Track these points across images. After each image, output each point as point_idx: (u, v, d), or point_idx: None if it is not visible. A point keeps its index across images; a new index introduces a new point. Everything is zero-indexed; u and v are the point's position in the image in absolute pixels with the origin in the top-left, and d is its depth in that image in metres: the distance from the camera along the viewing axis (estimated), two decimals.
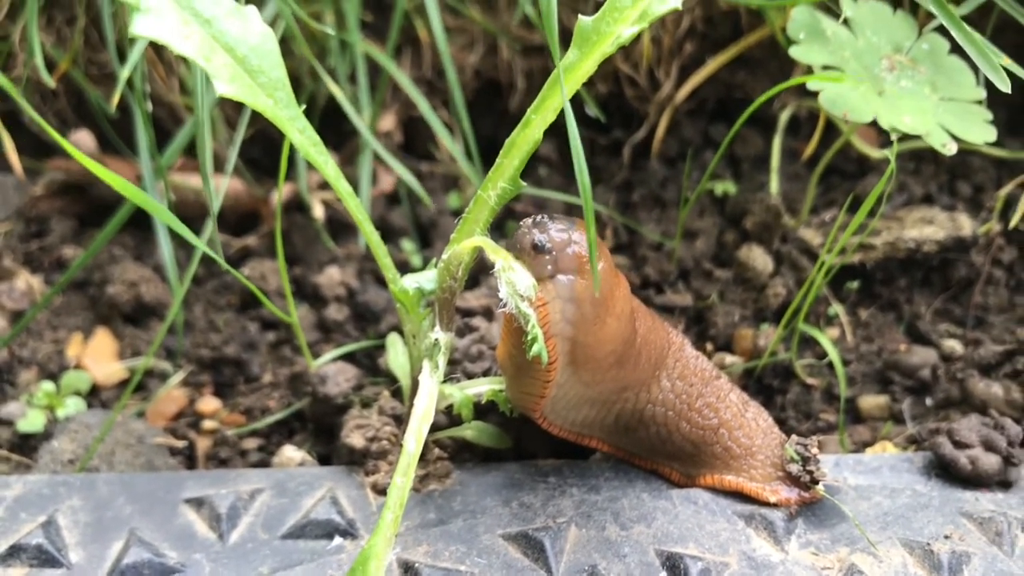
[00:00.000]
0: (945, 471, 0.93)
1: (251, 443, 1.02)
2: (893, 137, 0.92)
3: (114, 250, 1.17)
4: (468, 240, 0.76)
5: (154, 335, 1.11)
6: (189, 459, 1.02)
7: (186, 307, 1.13)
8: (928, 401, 1.09)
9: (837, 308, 1.17)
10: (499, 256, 0.74)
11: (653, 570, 0.82)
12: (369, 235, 0.82)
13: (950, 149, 0.96)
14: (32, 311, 1.02)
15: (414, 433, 0.74)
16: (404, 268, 1.15)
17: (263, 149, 1.29)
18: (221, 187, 1.15)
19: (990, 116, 1.00)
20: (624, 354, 0.82)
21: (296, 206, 1.19)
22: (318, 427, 1.00)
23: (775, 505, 0.87)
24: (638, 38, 1.26)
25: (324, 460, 0.98)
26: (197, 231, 1.19)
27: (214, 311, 1.13)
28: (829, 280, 1.18)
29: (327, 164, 0.79)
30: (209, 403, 1.07)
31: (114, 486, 0.89)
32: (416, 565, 0.81)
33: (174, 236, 1.17)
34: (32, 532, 0.84)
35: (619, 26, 0.72)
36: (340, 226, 1.19)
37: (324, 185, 1.18)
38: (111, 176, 0.67)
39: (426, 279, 0.80)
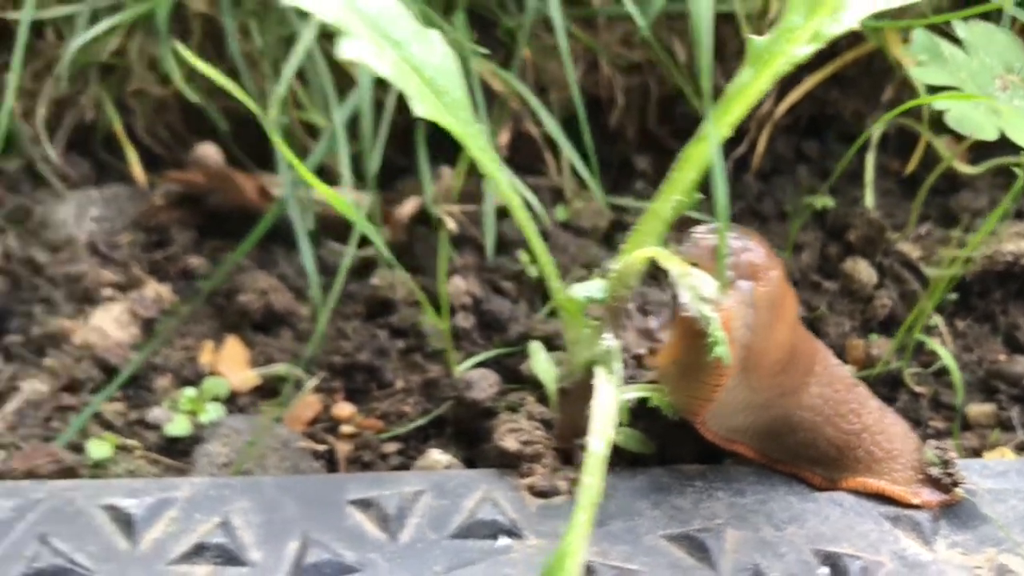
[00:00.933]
0: None
1: (391, 447, 1.05)
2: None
3: (239, 261, 1.20)
4: (641, 251, 0.79)
5: (284, 343, 1.14)
6: (330, 463, 1.05)
7: (313, 317, 1.16)
8: None
9: (938, 320, 1.22)
10: (675, 263, 0.78)
11: (812, 567, 0.85)
12: (539, 250, 0.85)
13: None
14: (164, 322, 1.05)
15: (600, 434, 0.77)
16: (519, 279, 1.19)
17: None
18: (360, 201, 1.19)
19: None
20: (788, 361, 0.85)
21: (419, 218, 1.22)
22: (460, 431, 1.04)
23: (917, 507, 0.91)
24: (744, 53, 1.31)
25: (468, 463, 1.01)
26: (320, 243, 1.23)
27: (341, 320, 1.16)
28: (934, 294, 1.23)
29: (503, 180, 0.82)
30: (344, 408, 1.10)
31: (279, 489, 0.92)
32: (591, 564, 0.85)
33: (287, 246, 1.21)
34: (211, 532, 0.87)
35: (791, 46, 0.76)
36: (459, 238, 1.23)
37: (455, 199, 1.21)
38: (336, 198, 0.71)
39: (596, 288, 0.83)
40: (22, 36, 1.16)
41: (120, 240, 1.21)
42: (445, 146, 1.31)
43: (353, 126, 1.22)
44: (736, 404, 0.87)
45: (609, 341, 0.81)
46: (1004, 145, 1.20)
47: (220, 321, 1.16)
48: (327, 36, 1.14)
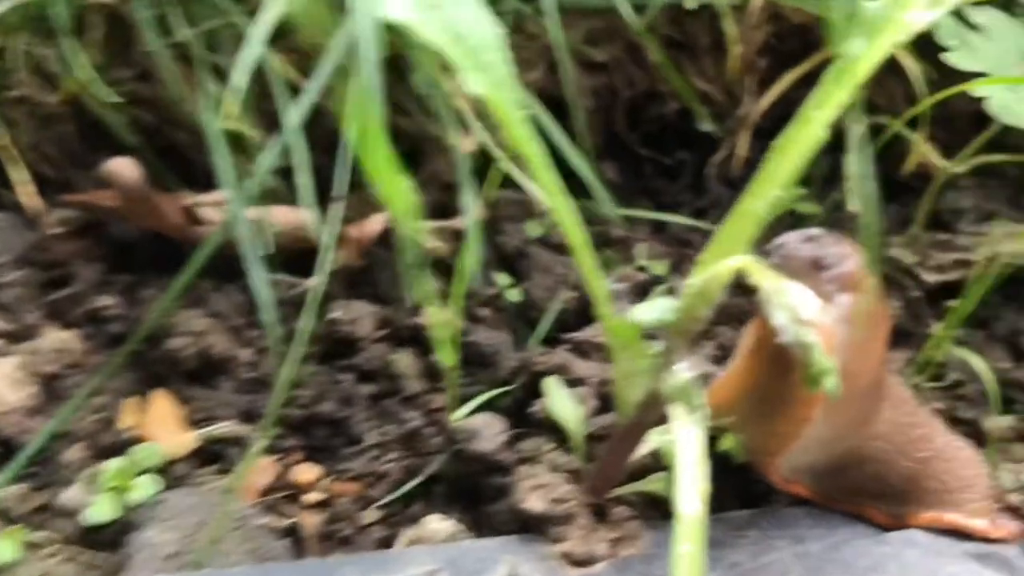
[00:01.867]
0: None
1: (370, 515, 0.87)
2: None
3: (160, 298, 0.99)
4: (730, 260, 0.65)
5: (226, 395, 0.94)
6: (296, 540, 0.86)
7: (258, 362, 0.97)
8: None
9: (938, 327, 1.13)
10: (768, 277, 0.65)
11: None
12: (588, 265, 0.70)
13: None
14: (72, 379, 0.84)
15: (694, 491, 0.62)
16: (495, 305, 1.03)
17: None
18: (285, 219, 1.00)
19: None
20: (876, 383, 0.73)
21: (378, 239, 1.04)
22: (458, 490, 0.86)
23: (999, 540, 0.81)
24: (720, 51, 1.20)
25: (474, 528, 0.84)
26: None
27: (295, 364, 0.97)
28: (927, 300, 1.15)
29: (552, 180, 0.67)
30: (306, 472, 0.91)
31: None
32: None
33: (229, 280, 1.01)
34: None
35: (910, 11, 0.64)
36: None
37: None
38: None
39: (665, 309, 0.69)
40: None
41: (8, 279, 0.97)
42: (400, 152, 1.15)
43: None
44: (809, 438, 0.74)
45: (685, 371, 0.67)
46: (987, 144, 1.14)
47: (143, 373, 0.95)
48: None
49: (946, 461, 0.81)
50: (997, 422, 1.05)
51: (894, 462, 0.80)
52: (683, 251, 1.15)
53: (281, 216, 1.00)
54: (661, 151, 1.25)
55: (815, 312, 0.63)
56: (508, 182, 1.13)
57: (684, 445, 0.64)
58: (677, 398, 0.67)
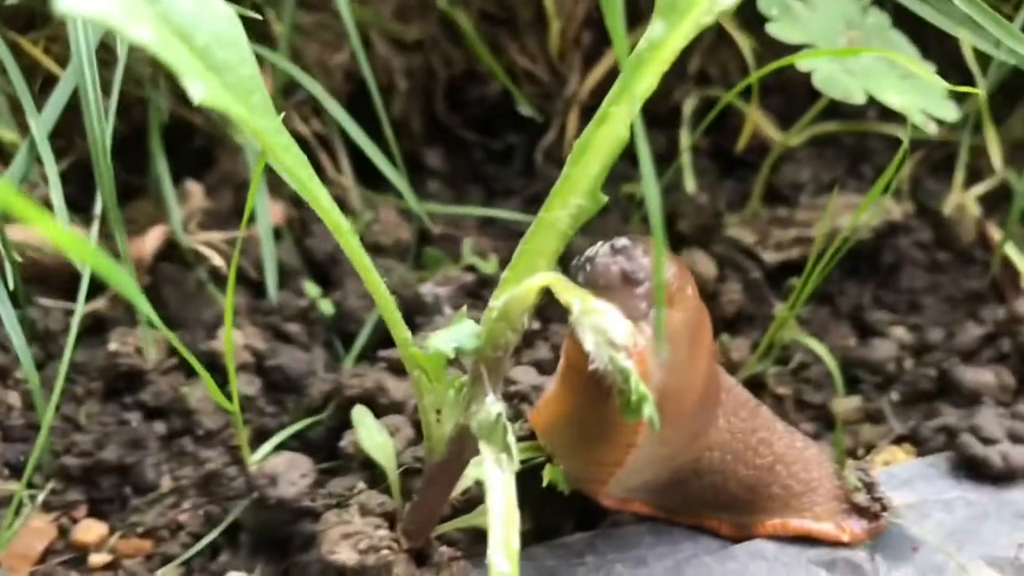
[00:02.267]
0: (974, 471, 0.86)
1: (164, 574, 0.76)
2: (918, 120, 0.84)
3: None
4: (533, 279, 0.57)
5: None
6: None
7: (25, 406, 0.84)
8: (894, 395, 1.03)
9: (780, 308, 1.09)
10: (577, 296, 0.57)
11: None
12: (375, 284, 0.61)
13: (931, 129, 0.91)
14: None
15: (502, 549, 0.54)
16: (306, 318, 0.93)
17: (79, 186, 1.00)
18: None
19: (946, 92, 0.95)
20: (705, 397, 0.67)
21: (162, 254, 0.92)
22: (263, 540, 0.76)
23: (847, 544, 0.76)
24: (544, 26, 1.12)
25: None
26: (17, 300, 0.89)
27: (70, 404, 0.84)
28: (768, 280, 1.10)
29: (320, 192, 0.57)
30: (90, 529, 0.79)
31: None
32: None
33: None
34: None
35: None
36: (221, 275, 0.94)
37: (203, 224, 0.92)
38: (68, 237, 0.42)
39: (466, 335, 0.60)
40: None
41: None
42: (183, 155, 1.02)
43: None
44: (640, 461, 0.67)
45: (492, 406, 0.58)
46: (822, 113, 1.10)
47: None
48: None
49: (788, 465, 0.76)
50: (844, 404, 1.01)
51: (734, 471, 0.74)
52: (514, 244, 1.06)
53: (34, 235, 0.87)
54: (488, 134, 1.16)
55: (628, 335, 0.55)
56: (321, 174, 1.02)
57: (493, 495, 0.56)
58: (486, 437, 0.58)
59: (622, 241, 0.61)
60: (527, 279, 0.58)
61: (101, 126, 0.72)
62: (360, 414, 0.75)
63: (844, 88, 0.85)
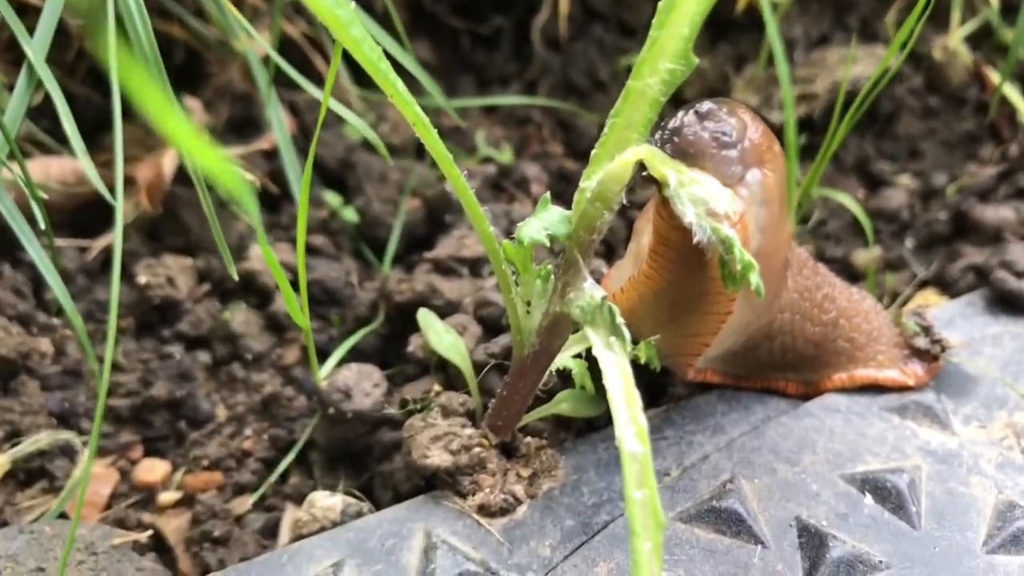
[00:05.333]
0: (1010, 304, 0.88)
1: (241, 503, 0.75)
2: None
3: None
4: (627, 152, 0.55)
5: (30, 398, 0.77)
6: (165, 553, 0.73)
7: (58, 352, 0.80)
8: (909, 242, 1.04)
9: (793, 167, 1.09)
10: (672, 168, 0.55)
11: (856, 499, 0.69)
12: (456, 178, 0.58)
13: None
14: None
15: (632, 429, 0.54)
16: (328, 229, 0.90)
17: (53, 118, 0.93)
18: (53, 172, 0.82)
19: None
20: (788, 256, 0.66)
21: (175, 178, 0.87)
22: (338, 456, 0.75)
23: (912, 387, 0.78)
24: None
25: (368, 497, 0.73)
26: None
27: (102, 344, 0.80)
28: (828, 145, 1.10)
29: (398, 84, 0.54)
30: (152, 469, 0.77)
31: None
32: None
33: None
34: None
35: None
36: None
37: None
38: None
39: (556, 221, 0.58)
40: None
41: None
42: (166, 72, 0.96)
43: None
44: (730, 329, 0.67)
45: (593, 289, 0.57)
46: None
47: None
48: None
49: (851, 318, 0.77)
50: (866, 254, 1.03)
51: (802, 330, 0.74)
52: (523, 131, 1.04)
53: (48, 169, 0.81)
54: (475, 19, 1.11)
55: (729, 203, 0.54)
56: (314, 77, 0.97)
57: (613, 380, 0.54)
58: (591, 323, 0.57)
59: (707, 105, 0.59)
60: (619, 154, 0.55)
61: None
62: (426, 316, 0.73)
63: None
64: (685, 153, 0.57)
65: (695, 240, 0.55)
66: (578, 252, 0.58)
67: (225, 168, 0.41)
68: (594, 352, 0.56)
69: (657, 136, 0.60)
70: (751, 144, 0.58)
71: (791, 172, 0.65)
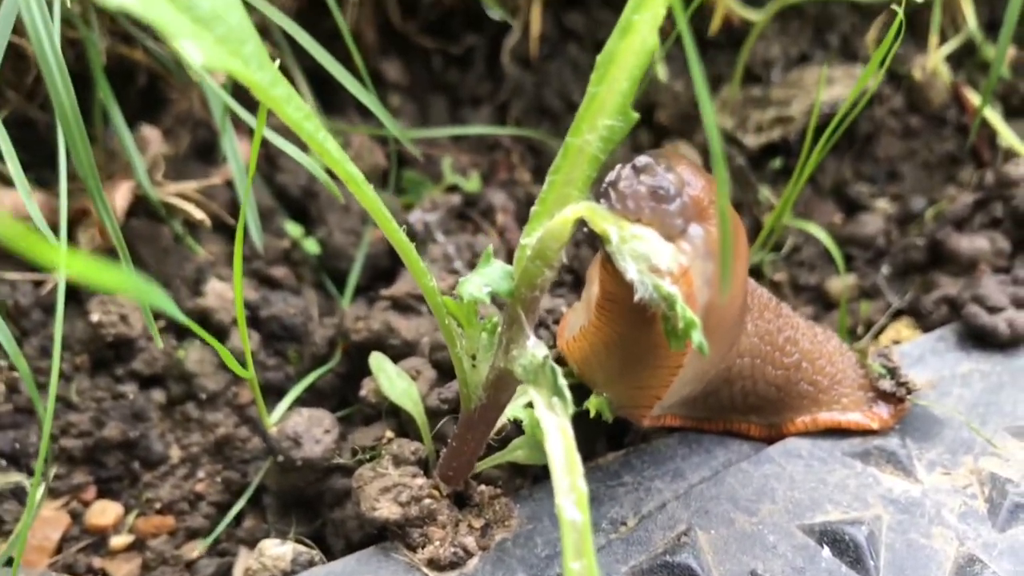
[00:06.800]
0: (982, 340, 0.86)
1: (191, 548, 0.74)
2: None
3: None
4: (567, 210, 0.54)
5: None
6: None
7: (9, 390, 0.79)
8: (885, 269, 1.03)
9: (765, 192, 1.07)
10: (613, 224, 0.54)
11: (813, 552, 0.68)
12: (393, 232, 0.57)
13: None
14: None
15: (571, 497, 0.52)
16: (290, 259, 0.89)
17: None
18: (3, 201, 0.80)
19: None
20: (743, 305, 0.65)
21: (132, 211, 0.85)
22: (291, 502, 0.74)
23: (877, 431, 0.77)
24: None
25: (318, 543, 0.72)
26: None
27: (59, 384, 0.79)
28: (752, 164, 1.08)
29: (329, 143, 0.52)
30: (104, 511, 0.76)
31: None
32: None
33: None
34: None
35: None
36: (194, 224, 0.88)
37: (167, 173, 0.85)
38: None
39: (498, 277, 0.57)
40: None
41: None
42: (127, 98, 0.94)
43: None
44: (683, 380, 0.66)
45: (536, 348, 0.55)
46: None
47: None
48: None
49: (814, 360, 0.75)
50: (840, 282, 1.01)
51: (763, 374, 0.73)
52: (492, 157, 1.02)
53: (1, 200, 0.80)
54: (447, 39, 1.10)
55: (671, 258, 0.53)
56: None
57: (551, 441, 0.53)
58: (534, 382, 0.56)
59: (643, 159, 0.57)
60: (559, 211, 0.54)
61: (64, 80, 0.65)
62: (378, 360, 0.72)
63: None
64: (624, 207, 0.56)
65: (636, 297, 0.53)
66: (520, 309, 0.56)
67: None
68: (535, 413, 0.55)
69: (597, 189, 0.58)
70: (690, 199, 0.57)
71: (738, 225, 0.63)
